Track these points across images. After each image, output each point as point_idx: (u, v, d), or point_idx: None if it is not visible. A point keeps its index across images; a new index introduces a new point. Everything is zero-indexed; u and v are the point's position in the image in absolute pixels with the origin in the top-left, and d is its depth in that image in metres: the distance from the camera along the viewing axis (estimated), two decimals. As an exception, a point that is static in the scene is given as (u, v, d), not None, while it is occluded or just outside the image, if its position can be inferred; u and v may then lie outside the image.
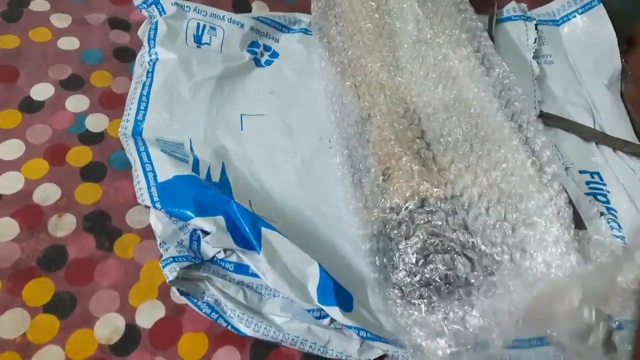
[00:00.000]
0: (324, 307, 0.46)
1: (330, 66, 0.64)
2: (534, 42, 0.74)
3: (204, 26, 0.66)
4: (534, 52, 0.73)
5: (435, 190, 0.48)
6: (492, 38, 0.70)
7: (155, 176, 0.52)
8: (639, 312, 0.41)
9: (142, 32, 0.65)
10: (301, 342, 0.47)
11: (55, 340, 0.46)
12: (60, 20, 0.66)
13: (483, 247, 0.46)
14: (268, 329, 0.47)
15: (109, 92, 0.62)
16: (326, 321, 0.47)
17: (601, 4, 0.75)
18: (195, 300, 0.47)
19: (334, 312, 0.46)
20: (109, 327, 0.47)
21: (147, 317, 0.48)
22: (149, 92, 0.59)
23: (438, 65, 0.57)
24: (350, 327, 0.46)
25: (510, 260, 0.45)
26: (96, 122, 0.59)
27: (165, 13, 0.65)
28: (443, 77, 0.57)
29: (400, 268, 0.46)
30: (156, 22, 0.64)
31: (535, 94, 0.70)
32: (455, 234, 0.46)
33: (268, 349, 0.48)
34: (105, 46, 0.66)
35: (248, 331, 0.47)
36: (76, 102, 0.60)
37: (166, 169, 0.52)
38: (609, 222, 0.58)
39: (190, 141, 0.58)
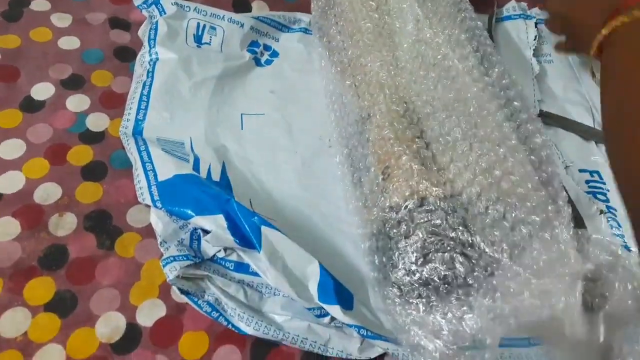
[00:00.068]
0: (324, 306, 0.47)
1: (330, 65, 0.64)
2: (534, 40, 0.74)
3: (204, 26, 0.66)
4: (533, 51, 0.73)
5: (434, 189, 0.48)
6: (491, 37, 0.70)
7: (155, 175, 0.52)
8: None
9: (143, 31, 0.65)
10: (301, 341, 0.48)
11: (56, 339, 0.46)
12: (61, 20, 0.67)
13: (482, 246, 0.46)
14: (268, 328, 0.47)
15: (110, 92, 0.62)
16: (326, 320, 0.47)
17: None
18: (195, 299, 0.48)
19: (335, 310, 0.46)
20: (109, 326, 0.47)
21: (148, 316, 0.48)
22: (149, 92, 0.59)
23: (437, 65, 0.57)
24: (350, 326, 0.47)
25: (509, 258, 0.45)
26: (97, 122, 0.59)
27: (165, 13, 0.65)
28: (442, 77, 0.57)
29: (400, 267, 0.46)
30: (156, 22, 0.64)
31: (535, 92, 0.70)
32: (454, 232, 0.46)
33: (268, 348, 0.49)
34: (105, 46, 0.66)
35: (248, 330, 0.47)
36: (77, 102, 0.60)
37: (167, 168, 0.52)
38: (608, 221, 0.58)
39: (191, 140, 0.58)
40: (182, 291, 0.48)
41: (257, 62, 0.68)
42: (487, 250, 0.45)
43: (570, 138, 0.66)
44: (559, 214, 0.49)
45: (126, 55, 0.66)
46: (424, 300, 0.45)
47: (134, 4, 0.67)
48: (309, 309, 0.48)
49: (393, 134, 0.52)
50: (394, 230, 0.47)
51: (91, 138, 0.58)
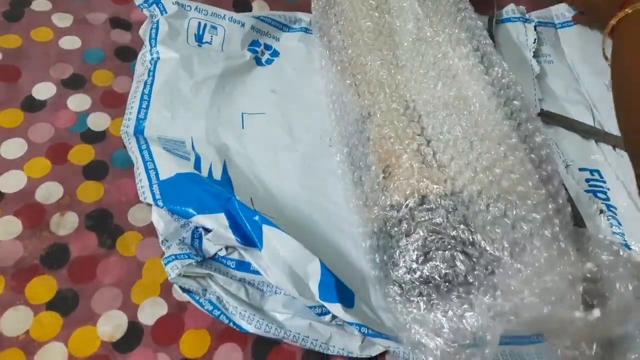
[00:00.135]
0: (325, 304, 0.47)
1: (330, 65, 0.64)
2: (534, 42, 0.74)
3: (205, 25, 0.66)
4: (533, 52, 0.74)
5: (435, 187, 0.48)
6: (492, 37, 0.71)
7: (157, 174, 0.52)
8: None
9: (144, 31, 0.65)
10: (303, 339, 0.48)
11: (58, 338, 0.46)
12: (62, 20, 0.67)
13: (483, 244, 0.46)
14: (270, 326, 0.47)
15: (111, 91, 0.62)
16: (328, 318, 0.48)
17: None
18: (197, 298, 0.48)
19: (336, 308, 0.46)
20: (111, 324, 0.47)
21: (150, 314, 0.48)
22: (150, 91, 0.59)
23: (438, 64, 0.58)
24: (351, 324, 0.47)
25: (510, 256, 0.45)
26: (98, 121, 0.59)
27: (166, 12, 0.65)
28: (443, 75, 0.57)
29: (401, 265, 0.46)
30: (157, 21, 0.64)
31: (536, 92, 0.70)
32: (455, 231, 0.46)
33: (270, 346, 0.49)
34: (106, 45, 0.66)
35: (250, 328, 0.47)
36: (78, 101, 0.60)
37: (168, 167, 0.52)
38: (608, 220, 0.58)
39: (192, 139, 0.58)
40: (184, 289, 0.48)
41: (258, 62, 0.69)
42: (487, 248, 0.45)
43: (570, 137, 0.66)
44: (559, 212, 0.49)
45: (127, 54, 0.66)
46: (424, 298, 0.45)
47: (135, 3, 0.67)
48: (310, 307, 0.48)
49: (393, 133, 0.52)
50: (395, 229, 0.47)
51: (92, 137, 0.58)
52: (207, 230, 0.50)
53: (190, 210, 0.49)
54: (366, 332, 0.47)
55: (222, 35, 0.67)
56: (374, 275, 0.49)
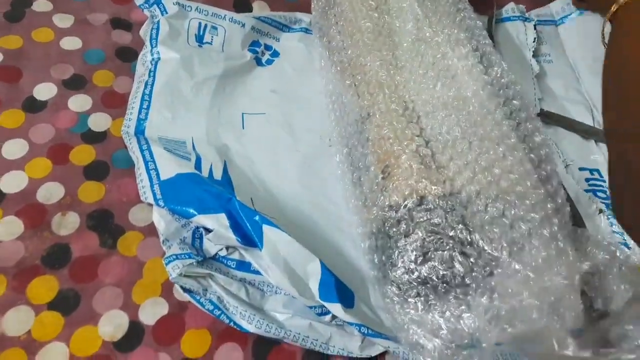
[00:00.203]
0: (325, 304, 0.47)
1: (330, 65, 0.64)
2: (533, 42, 0.74)
3: (206, 26, 0.67)
4: (533, 51, 0.74)
5: (434, 187, 0.49)
6: (491, 37, 0.71)
7: (158, 174, 0.52)
8: None
9: (144, 31, 0.66)
10: (303, 339, 0.48)
11: (59, 337, 0.46)
12: (63, 21, 0.67)
13: (481, 244, 0.46)
14: (270, 326, 0.47)
15: (111, 92, 0.62)
16: (327, 318, 0.48)
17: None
18: (198, 297, 0.48)
19: (336, 308, 0.47)
20: (112, 324, 0.48)
21: (151, 314, 0.49)
22: (151, 91, 0.60)
23: (437, 64, 0.58)
24: (351, 324, 0.47)
25: (508, 255, 0.45)
26: (99, 121, 0.60)
27: (167, 12, 0.65)
28: (442, 76, 0.57)
29: (399, 266, 0.46)
30: (158, 22, 0.64)
31: (535, 91, 0.70)
32: (453, 231, 0.46)
33: (270, 346, 0.49)
34: (107, 46, 0.66)
35: (250, 328, 0.47)
36: (79, 102, 0.61)
37: (169, 167, 0.52)
38: (608, 219, 0.58)
39: (192, 139, 0.58)
40: (185, 289, 0.48)
41: (258, 62, 0.69)
42: (486, 248, 0.46)
43: (570, 137, 0.66)
44: (558, 211, 0.49)
45: (128, 55, 0.66)
46: (422, 299, 0.45)
47: (136, 3, 0.68)
48: (310, 307, 0.48)
49: (392, 133, 0.52)
50: (394, 229, 0.48)
51: (93, 138, 0.58)
52: (208, 230, 0.50)
53: (191, 211, 0.50)
54: (366, 332, 0.47)
55: (222, 36, 0.67)
56: (372, 276, 0.49)
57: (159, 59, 0.62)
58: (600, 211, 0.58)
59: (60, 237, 0.52)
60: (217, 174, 0.56)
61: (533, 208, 0.48)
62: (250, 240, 0.49)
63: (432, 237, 0.46)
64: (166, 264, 0.47)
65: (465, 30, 0.61)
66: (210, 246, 0.50)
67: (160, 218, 0.51)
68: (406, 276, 0.46)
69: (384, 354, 0.49)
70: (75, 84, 0.62)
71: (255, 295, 0.50)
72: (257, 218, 0.49)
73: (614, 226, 0.57)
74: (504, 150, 0.51)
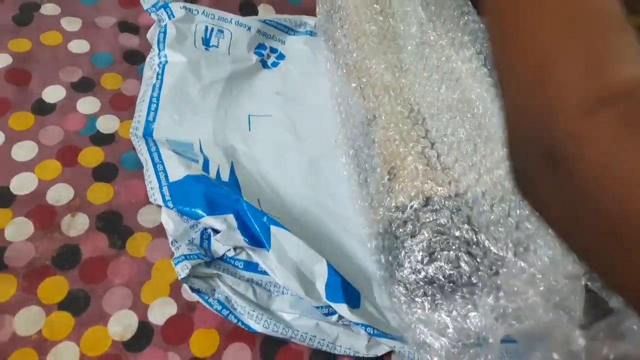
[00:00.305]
0: (331, 304, 0.47)
1: (335, 68, 0.65)
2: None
3: (212, 29, 0.67)
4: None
5: (439, 189, 0.49)
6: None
7: (166, 176, 0.53)
8: None
9: (151, 35, 0.66)
10: (310, 339, 0.48)
11: (70, 337, 0.47)
12: (71, 24, 0.68)
13: (487, 244, 0.47)
14: (277, 326, 0.48)
15: (119, 94, 0.63)
16: (334, 318, 0.48)
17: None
18: (206, 297, 0.49)
19: (342, 309, 0.47)
20: (122, 324, 0.48)
21: (159, 314, 0.49)
22: (159, 94, 0.60)
23: (441, 67, 0.58)
24: (357, 324, 0.47)
25: (514, 255, 0.46)
26: (107, 124, 0.60)
27: (174, 16, 0.66)
28: (446, 78, 0.58)
29: (405, 266, 0.47)
30: (165, 26, 0.65)
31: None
32: (459, 231, 0.47)
33: (277, 345, 0.50)
34: (115, 49, 0.67)
35: (258, 327, 0.48)
36: (87, 104, 0.61)
37: (177, 169, 0.53)
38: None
39: (200, 141, 0.59)
40: (193, 289, 0.48)
41: (264, 65, 0.69)
42: (491, 248, 0.46)
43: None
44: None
45: (135, 58, 0.67)
46: (429, 298, 0.45)
47: (143, 7, 0.68)
48: (317, 307, 0.49)
49: (398, 135, 0.53)
50: (400, 230, 0.48)
51: (102, 140, 0.59)
52: (216, 231, 0.51)
53: (200, 212, 0.50)
54: (372, 332, 0.48)
55: (228, 39, 0.68)
56: (379, 276, 0.50)
57: (166, 62, 0.63)
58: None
59: (70, 238, 0.52)
60: (225, 176, 0.56)
61: (538, 209, 0.48)
62: (258, 240, 0.50)
63: (438, 238, 0.47)
64: (175, 265, 0.48)
65: (469, 33, 0.61)
66: (218, 247, 0.51)
67: (169, 219, 0.52)
68: (413, 276, 0.46)
69: (390, 353, 0.50)
70: (83, 86, 0.63)
71: (263, 296, 0.50)
72: (265, 219, 0.50)
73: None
74: (508, 151, 0.52)
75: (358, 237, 0.55)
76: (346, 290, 0.48)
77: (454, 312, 0.44)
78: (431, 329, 0.45)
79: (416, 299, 0.46)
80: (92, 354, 0.47)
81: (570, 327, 0.42)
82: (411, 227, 0.48)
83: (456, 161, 0.51)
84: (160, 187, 0.52)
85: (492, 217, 0.47)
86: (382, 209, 0.51)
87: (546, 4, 0.32)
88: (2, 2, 0.67)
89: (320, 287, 0.48)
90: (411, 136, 0.53)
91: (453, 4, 0.64)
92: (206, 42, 0.67)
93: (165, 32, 0.64)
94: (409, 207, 0.49)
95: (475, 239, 0.46)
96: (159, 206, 0.53)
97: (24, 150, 0.57)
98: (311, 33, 0.74)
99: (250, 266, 0.51)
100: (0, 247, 0.50)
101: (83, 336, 0.47)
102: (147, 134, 0.58)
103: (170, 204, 0.51)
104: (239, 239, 0.49)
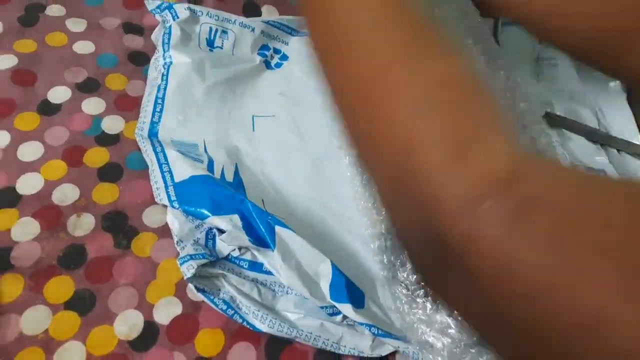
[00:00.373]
0: (336, 304, 0.48)
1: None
2: (539, 44, 0.75)
3: (216, 30, 0.67)
4: (538, 55, 0.74)
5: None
6: (497, 41, 0.71)
7: (172, 176, 0.53)
8: None
9: (156, 36, 0.67)
10: (314, 338, 0.49)
11: (76, 337, 0.47)
12: (76, 25, 0.68)
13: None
14: (282, 325, 0.48)
15: (124, 95, 0.63)
16: (339, 318, 0.49)
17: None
18: (211, 297, 0.49)
19: (346, 309, 0.48)
20: (127, 324, 0.49)
21: (165, 314, 0.50)
22: (164, 95, 0.61)
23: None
24: (362, 324, 0.48)
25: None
26: (112, 124, 0.61)
27: (178, 17, 0.66)
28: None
29: (407, 266, 0.47)
30: (170, 27, 0.65)
31: (541, 95, 0.71)
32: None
33: (282, 345, 0.50)
34: (119, 50, 0.67)
35: (263, 327, 0.48)
36: (92, 105, 0.62)
37: (183, 169, 0.53)
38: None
39: (204, 142, 0.59)
40: (199, 289, 0.49)
41: (268, 65, 0.70)
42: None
43: (575, 138, 0.67)
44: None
45: (140, 59, 0.67)
46: (430, 298, 0.46)
47: (148, 8, 0.68)
48: (322, 307, 0.49)
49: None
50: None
51: (107, 140, 0.59)
52: (221, 231, 0.51)
53: (205, 212, 0.51)
54: (376, 332, 0.48)
55: (232, 40, 0.68)
56: (382, 276, 0.50)
57: (171, 63, 0.63)
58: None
59: (75, 238, 0.52)
60: (229, 176, 0.57)
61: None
62: (263, 241, 0.50)
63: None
64: (180, 264, 0.48)
65: (471, 34, 0.61)
66: (223, 247, 0.51)
67: (174, 219, 0.52)
68: (414, 276, 0.47)
69: (394, 353, 0.50)
70: (88, 87, 0.63)
71: (267, 295, 0.51)
72: (269, 219, 0.50)
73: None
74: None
75: (362, 237, 0.55)
76: (350, 290, 0.49)
77: (455, 312, 0.45)
78: (433, 329, 0.45)
79: (417, 300, 0.46)
80: (99, 353, 0.47)
81: None
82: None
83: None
84: (166, 187, 0.52)
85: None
86: (384, 209, 0.51)
87: (396, 76, 0.30)
88: (7, 3, 0.67)
89: (325, 287, 0.49)
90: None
91: (455, 4, 0.64)
92: (210, 43, 0.67)
93: (169, 33, 0.65)
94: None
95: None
96: (164, 206, 0.54)
97: (29, 151, 0.57)
98: (314, 34, 0.74)
99: (255, 266, 0.52)
100: (7, 247, 0.51)
101: (89, 335, 0.48)
102: (152, 134, 0.58)
103: (175, 204, 0.51)
104: (244, 239, 0.50)
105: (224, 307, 0.49)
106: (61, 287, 0.50)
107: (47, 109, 0.60)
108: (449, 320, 0.45)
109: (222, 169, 0.57)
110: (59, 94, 0.62)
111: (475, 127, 0.28)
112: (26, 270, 0.50)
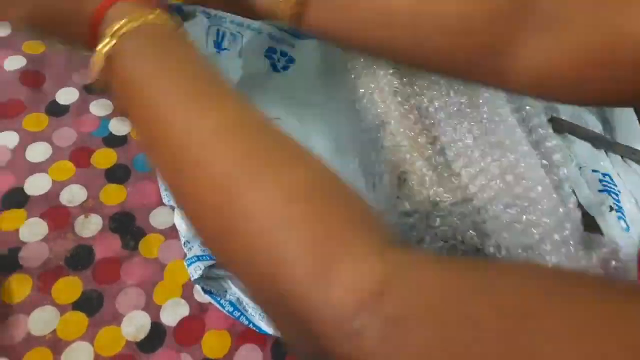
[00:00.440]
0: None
1: (344, 72, 0.65)
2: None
3: (224, 32, 0.68)
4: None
5: (446, 195, 0.50)
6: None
7: (179, 179, 0.53)
8: None
9: (164, 37, 0.67)
10: (320, 341, 0.49)
11: (84, 337, 0.48)
12: (84, 26, 0.68)
13: (492, 250, 0.47)
14: (288, 327, 0.49)
15: (132, 97, 0.63)
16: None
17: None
18: (218, 299, 0.49)
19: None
20: (135, 325, 0.49)
21: (172, 315, 0.50)
22: (171, 97, 0.61)
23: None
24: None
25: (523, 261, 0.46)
26: (119, 126, 0.61)
27: (187, 19, 0.66)
28: (454, 83, 0.58)
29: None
30: (177, 28, 0.66)
31: (546, 99, 0.71)
32: (466, 237, 0.47)
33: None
34: (127, 51, 0.67)
35: (269, 329, 0.48)
36: (100, 106, 0.62)
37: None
38: (618, 218, 0.59)
39: (211, 144, 0.59)
40: (205, 290, 0.49)
41: (274, 68, 0.70)
42: (497, 255, 0.47)
43: (580, 142, 0.67)
44: (569, 216, 0.50)
45: (147, 60, 0.67)
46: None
47: (156, 10, 0.69)
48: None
49: (407, 141, 0.53)
50: (407, 236, 0.49)
51: (114, 142, 0.60)
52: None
53: (212, 214, 0.51)
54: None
55: (240, 42, 0.68)
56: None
57: (178, 64, 0.63)
58: (611, 209, 0.59)
59: (83, 238, 0.53)
60: (236, 178, 0.57)
61: (545, 213, 0.49)
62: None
63: (444, 244, 0.47)
64: (188, 266, 0.49)
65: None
66: (230, 249, 0.51)
67: (182, 220, 0.53)
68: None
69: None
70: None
71: (273, 298, 0.51)
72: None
73: (621, 221, 0.58)
74: (516, 157, 0.52)
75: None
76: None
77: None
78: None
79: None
80: (106, 354, 0.47)
81: None
82: (418, 233, 0.48)
83: (464, 167, 0.52)
84: (173, 190, 0.53)
85: (500, 222, 0.48)
86: (389, 214, 0.51)
87: (248, 197, 0.29)
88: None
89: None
90: (419, 142, 0.53)
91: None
92: (218, 45, 0.67)
93: (177, 35, 0.65)
94: (416, 213, 0.49)
95: (481, 246, 0.47)
96: (172, 207, 0.54)
97: (38, 151, 0.57)
98: (321, 36, 0.74)
99: (261, 268, 0.52)
100: (15, 247, 0.51)
101: (97, 336, 0.48)
102: (160, 136, 0.58)
103: (182, 207, 0.52)
104: (251, 241, 0.50)
105: (231, 309, 0.49)
106: (69, 287, 0.50)
107: (56, 110, 0.61)
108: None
109: (229, 171, 0.57)
110: (67, 95, 0.62)
111: (338, 238, 0.27)
112: (34, 270, 0.50)
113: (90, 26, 0.38)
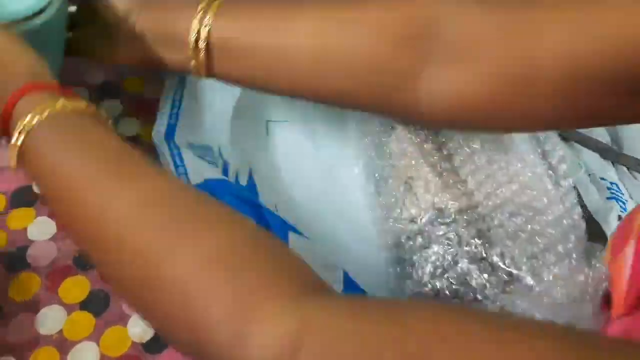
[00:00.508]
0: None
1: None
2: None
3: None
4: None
5: (452, 202, 0.50)
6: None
7: (188, 179, 0.54)
8: None
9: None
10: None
11: (90, 337, 0.48)
12: (95, 27, 0.68)
13: (496, 259, 0.47)
14: (292, 331, 0.49)
15: (141, 98, 0.64)
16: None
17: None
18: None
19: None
20: (141, 326, 0.49)
21: (177, 317, 0.50)
22: (181, 98, 0.61)
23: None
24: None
25: (523, 271, 0.46)
26: (129, 127, 0.61)
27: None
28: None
29: (415, 278, 0.48)
30: (187, 30, 0.66)
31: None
32: (470, 246, 0.47)
33: (291, 349, 0.50)
34: (138, 53, 0.67)
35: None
36: (110, 107, 0.62)
37: (198, 172, 0.54)
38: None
39: (219, 146, 0.60)
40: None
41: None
42: (500, 264, 0.47)
43: (588, 152, 0.67)
44: (574, 227, 0.50)
45: (157, 62, 0.67)
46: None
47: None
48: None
49: (412, 147, 0.53)
50: (411, 242, 0.49)
51: (123, 142, 0.60)
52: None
53: (219, 217, 0.51)
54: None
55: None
56: (392, 287, 0.50)
57: (188, 66, 0.64)
58: (620, 218, 0.58)
59: (91, 239, 0.53)
60: (243, 180, 0.57)
61: (550, 224, 0.49)
62: (275, 247, 0.50)
63: (448, 251, 0.47)
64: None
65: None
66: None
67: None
68: (421, 289, 0.47)
69: None
70: (106, 89, 0.64)
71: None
72: (283, 225, 0.51)
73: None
74: (523, 166, 0.52)
75: (374, 247, 0.55)
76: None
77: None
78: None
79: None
80: (112, 354, 0.48)
81: None
82: (422, 239, 0.48)
83: (470, 174, 0.52)
84: (182, 191, 0.53)
85: (504, 231, 0.48)
86: (394, 220, 0.51)
87: (167, 269, 0.31)
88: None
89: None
90: (425, 148, 0.53)
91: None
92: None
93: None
94: (420, 220, 0.49)
95: (485, 254, 0.47)
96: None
97: (47, 152, 0.57)
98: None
99: (266, 271, 0.52)
100: (23, 246, 0.52)
101: (103, 336, 0.48)
102: (169, 137, 0.59)
103: (190, 208, 0.52)
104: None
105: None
106: (76, 287, 0.50)
107: (65, 110, 0.60)
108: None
109: (237, 172, 0.58)
110: (77, 96, 0.62)
111: (255, 300, 0.29)
112: (42, 269, 0.51)
113: (2, 122, 0.39)
